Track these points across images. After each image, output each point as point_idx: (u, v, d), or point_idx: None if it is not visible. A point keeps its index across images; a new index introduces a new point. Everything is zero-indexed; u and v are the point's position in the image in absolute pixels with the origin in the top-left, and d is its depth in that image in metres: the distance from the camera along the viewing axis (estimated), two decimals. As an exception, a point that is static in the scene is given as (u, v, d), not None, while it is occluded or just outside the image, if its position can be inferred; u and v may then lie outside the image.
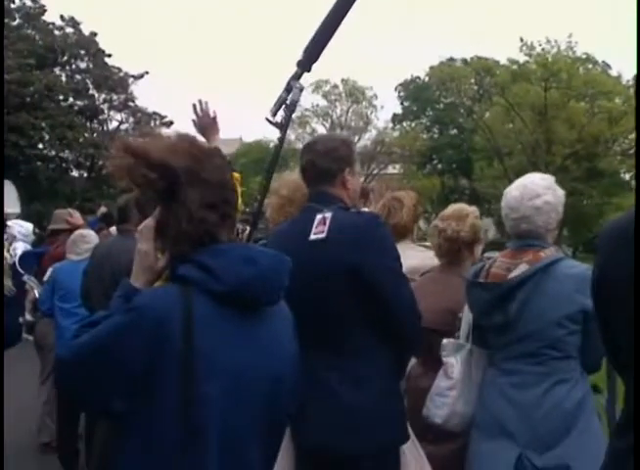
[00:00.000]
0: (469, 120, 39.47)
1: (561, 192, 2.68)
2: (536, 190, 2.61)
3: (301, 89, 2.75)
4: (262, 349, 1.61)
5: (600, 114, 34.46)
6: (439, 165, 41.76)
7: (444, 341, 2.76)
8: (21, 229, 7.72)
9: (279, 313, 1.70)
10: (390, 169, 40.45)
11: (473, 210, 3.17)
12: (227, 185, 1.65)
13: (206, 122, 2.91)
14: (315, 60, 2.74)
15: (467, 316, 2.78)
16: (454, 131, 42.71)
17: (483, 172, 36.37)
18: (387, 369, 2.44)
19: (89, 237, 5.14)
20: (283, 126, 2.73)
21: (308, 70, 2.75)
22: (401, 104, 43.93)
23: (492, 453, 2.52)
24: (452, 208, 3.23)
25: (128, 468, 1.53)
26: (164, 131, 2.19)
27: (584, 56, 36.69)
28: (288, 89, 2.74)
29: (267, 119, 2.74)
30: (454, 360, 2.71)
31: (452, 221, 3.08)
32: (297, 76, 2.73)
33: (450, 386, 2.70)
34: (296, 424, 2.31)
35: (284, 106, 2.75)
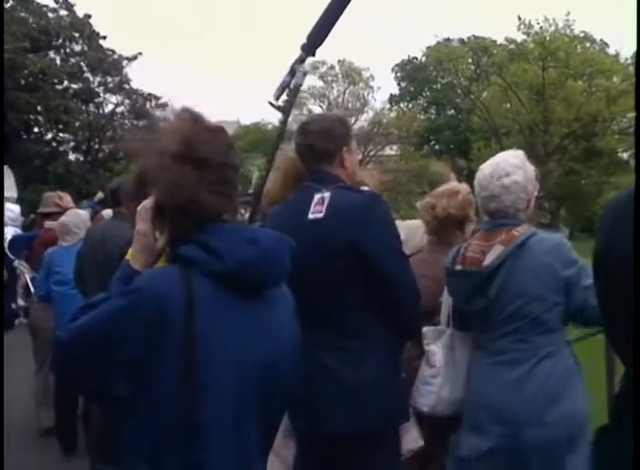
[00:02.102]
0: (466, 101, 39.35)
1: (531, 171, 2.66)
2: (506, 169, 2.60)
3: (305, 73, 2.75)
4: (263, 332, 1.59)
5: (598, 92, 34.36)
6: (437, 146, 41.71)
7: (424, 329, 2.75)
8: (11, 214, 7.62)
9: (280, 296, 1.68)
10: (388, 151, 40.38)
11: (464, 188, 3.13)
12: (228, 164, 1.62)
13: None
14: (319, 44, 2.74)
15: (446, 301, 2.77)
16: (451, 112, 42.66)
17: (481, 153, 36.28)
18: (386, 349, 2.44)
19: (76, 222, 5.14)
20: (286, 110, 2.72)
21: (312, 55, 2.75)
22: (398, 85, 43.83)
23: (485, 433, 2.52)
24: (444, 186, 3.21)
25: (128, 451, 1.52)
26: (166, 111, 2.18)
27: (582, 34, 36.55)
28: (291, 73, 2.74)
29: (270, 103, 2.73)
30: (435, 348, 2.71)
31: (443, 198, 3.07)
32: (300, 60, 2.73)
33: (433, 373, 2.69)
34: (294, 405, 2.31)
35: (287, 90, 2.75)
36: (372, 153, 38.76)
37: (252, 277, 1.55)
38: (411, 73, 43.16)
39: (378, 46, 65.15)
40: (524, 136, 34.60)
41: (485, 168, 2.65)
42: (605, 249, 1.75)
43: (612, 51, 37.06)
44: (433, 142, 42.09)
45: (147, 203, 1.61)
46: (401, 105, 43.31)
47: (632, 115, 34.35)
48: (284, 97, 2.77)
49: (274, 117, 39.89)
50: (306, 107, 39.50)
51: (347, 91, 41.01)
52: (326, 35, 2.72)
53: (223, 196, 1.58)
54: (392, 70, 44.03)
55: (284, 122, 2.78)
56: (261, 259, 1.54)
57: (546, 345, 2.50)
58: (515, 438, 2.46)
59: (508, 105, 36.68)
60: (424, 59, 42.01)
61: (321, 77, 40.93)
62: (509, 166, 2.60)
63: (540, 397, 2.46)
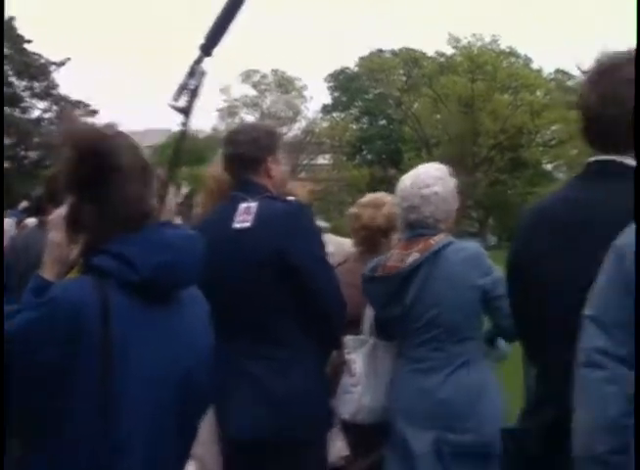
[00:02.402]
0: (398, 111, 39.98)
1: (452, 183, 2.70)
2: (426, 180, 2.63)
3: (203, 73, 2.73)
4: (178, 339, 1.58)
5: (522, 106, 35.48)
6: (369, 156, 42.13)
7: (346, 338, 2.77)
8: None
9: (193, 302, 1.67)
10: (320, 160, 40.59)
11: (391, 199, 3.09)
12: (149, 169, 1.60)
13: None
14: (215, 44, 2.72)
15: (368, 311, 2.80)
16: (383, 122, 43.18)
17: (412, 162, 36.89)
18: (313, 358, 2.46)
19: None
20: (187, 112, 2.70)
21: (209, 55, 2.74)
22: (331, 94, 44.14)
23: (409, 440, 2.55)
24: (369, 196, 3.22)
25: (45, 467, 1.47)
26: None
27: (508, 50, 37.74)
28: (191, 74, 2.72)
29: (170, 105, 2.70)
30: (355, 356, 2.74)
31: (369, 208, 3.08)
32: (198, 61, 2.72)
33: (354, 382, 2.72)
34: (220, 414, 2.32)
35: (187, 91, 2.73)
36: (304, 162, 38.88)
37: (167, 281, 1.54)
38: (344, 83, 43.51)
39: (311, 56, 65.61)
40: (453, 147, 35.35)
41: (406, 180, 2.68)
42: (519, 255, 1.82)
43: (535, 66, 38.46)
44: (365, 152, 42.46)
45: (60, 211, 1.57)
46: (334, 114, 43.59)
47: (556, 127, 35.71)
48: (186, 98, 2.73)
49: (206, 125, 39.55)
50: (239, 116, 39.36)
51: (280, 100, 41.07)
52: (221, 36, 2.71)
53: (142, 204, 1.56)
54: (325, 79, 44.36)
55: (184, 124, 2.77)
56: (175, 263, 1.53)
57: (462, 353, 2.54)
58: (434, 444, 2.49)
59: (438, 116, 37.49)
60: (357, 69, 42.50)
61: (254, 86, 40.91)
62: (430, 178, 2.63)
63: (455, 405, 2.49)
